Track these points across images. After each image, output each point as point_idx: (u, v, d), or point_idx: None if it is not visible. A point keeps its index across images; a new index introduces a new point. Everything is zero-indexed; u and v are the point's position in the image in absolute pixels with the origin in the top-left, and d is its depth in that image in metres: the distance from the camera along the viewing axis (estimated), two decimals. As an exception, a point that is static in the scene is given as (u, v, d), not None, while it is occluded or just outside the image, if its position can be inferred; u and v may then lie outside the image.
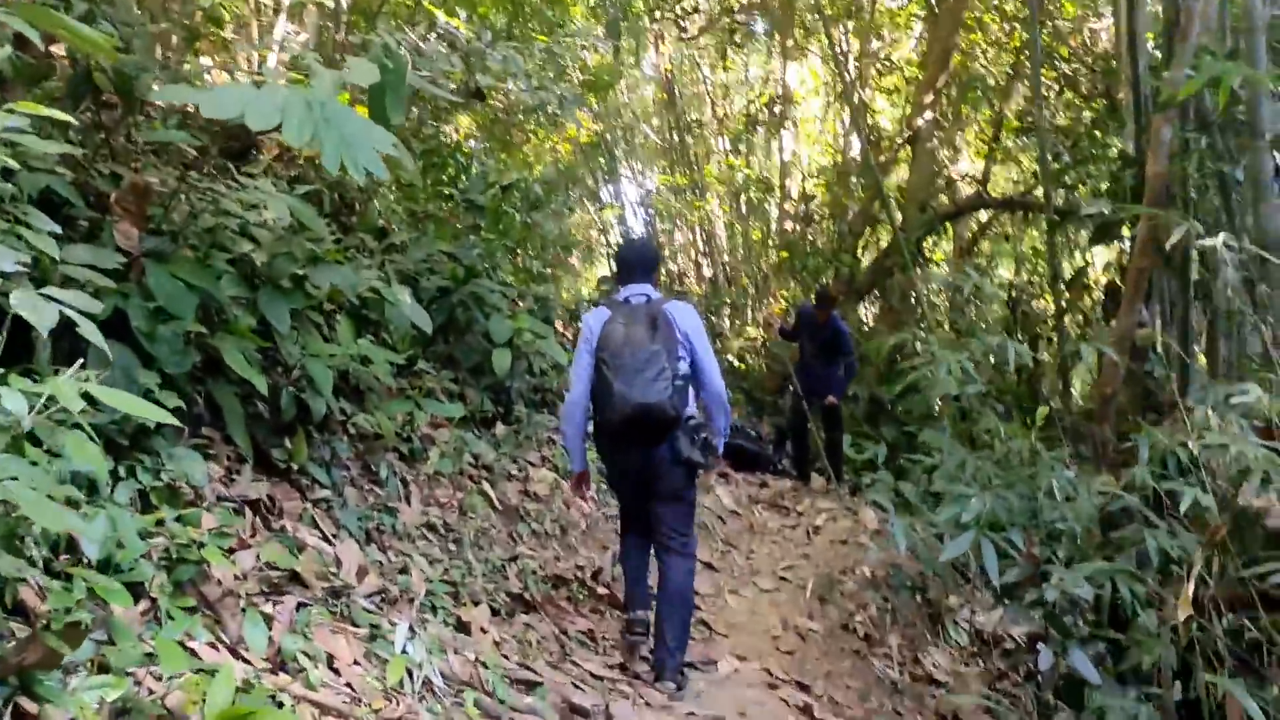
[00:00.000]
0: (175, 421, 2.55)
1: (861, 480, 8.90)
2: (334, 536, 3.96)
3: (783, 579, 6.44)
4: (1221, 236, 4.63)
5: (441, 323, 6.43)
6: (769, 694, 4.53)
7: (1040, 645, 4.30)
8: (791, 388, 8.88)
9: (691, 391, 4.26)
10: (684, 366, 4.16)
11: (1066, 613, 4.30)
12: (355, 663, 3.09)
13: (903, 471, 8.65)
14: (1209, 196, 6.04)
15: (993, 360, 6.13)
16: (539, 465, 6.46)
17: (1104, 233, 8.49)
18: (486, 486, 5.59)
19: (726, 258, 20.37)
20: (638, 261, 4.47)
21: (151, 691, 2.35)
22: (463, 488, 5.40)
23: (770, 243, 18.84)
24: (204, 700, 2.28)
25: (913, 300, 13.70)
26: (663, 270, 6.26)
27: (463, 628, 3.95)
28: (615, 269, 4.74)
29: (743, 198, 20.09)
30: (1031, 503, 4.62)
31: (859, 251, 13.49)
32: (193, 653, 2.59)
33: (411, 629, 3.42)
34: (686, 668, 4.37)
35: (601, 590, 5.31)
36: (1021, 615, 4.47)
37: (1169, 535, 4.16)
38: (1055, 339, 8.78)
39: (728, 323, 18.35)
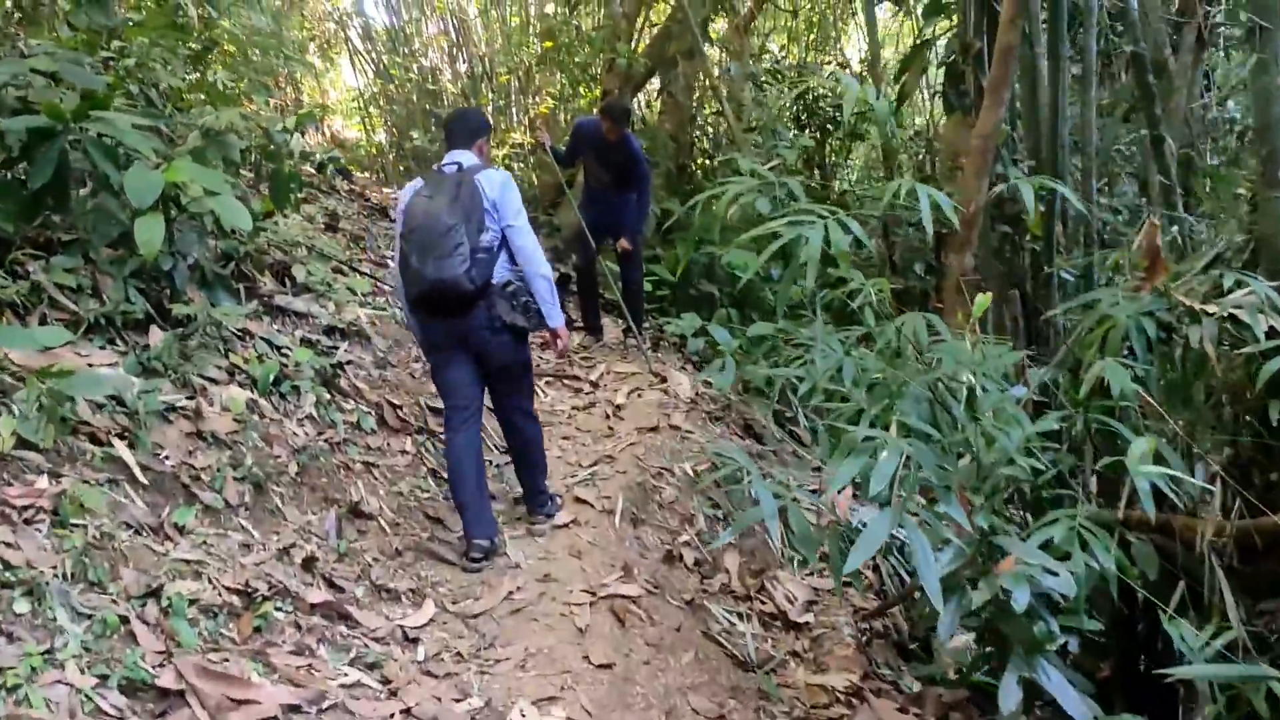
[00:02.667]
0: None
1: (666, 328, 7.20)
2: None
3: (581, 501, 4.71)
4: None
5: (46, 182, 4.14)
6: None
7: (1000, 667, 2.76)
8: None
9: (506, 261, 4.15)
10: (488, 238, 4.04)
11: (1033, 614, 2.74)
12: None
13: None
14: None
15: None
16: (225, 381, 4.37)
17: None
18: (121, 447, 3.50)
19: (483, 50, 17.75)
20: (459, 128, 4.36)
21: None
22: (74, 459, 3.31)
23: (532, 30, 16.38)
24: None
25: (697, 91, 11.83)
26: (489, 132, 4.81)
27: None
28: (444, 138, 4.45)
29: (496, -21, 17.39)
30: (964, 444, 2.97)
31: (635, 37, 11.33)
32: None
33: None
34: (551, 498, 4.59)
35: (315, 597, 3.43)
36: (962, 620, 2.89)
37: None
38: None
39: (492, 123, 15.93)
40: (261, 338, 4.89)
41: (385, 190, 13.93)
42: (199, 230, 5.26)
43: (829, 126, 11.62)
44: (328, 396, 4.75)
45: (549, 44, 13.03)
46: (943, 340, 3.63)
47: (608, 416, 5.71)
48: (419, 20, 18.96)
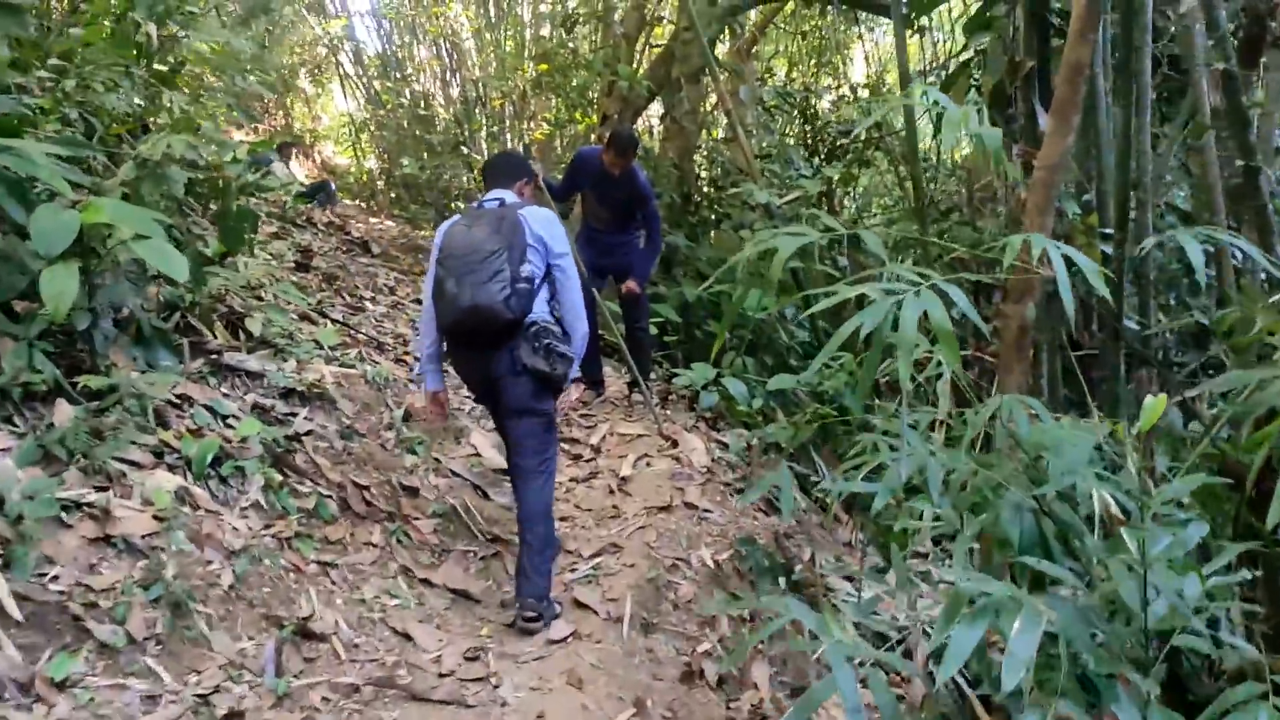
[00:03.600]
0: None
1: (675, 380, 6.40)
2: None
3: (583, 606, 3.89)
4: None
5: (-71, 224, 3.40)
6: None
7: None
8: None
9: (546, 299, 3.94)
10: (529, 270, 3.81)
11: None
12: None
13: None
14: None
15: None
16: (150, 465, 3.56)
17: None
18: (-8, 574, 2.69)
19: (477, 74, 17.06)
20: (500, 168, 4.29)
21: None
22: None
23: (527, 53, 15.70)
24: None
25: (701, 115, 11.10)
26: (532, 176, 4.62)
27: None
28: (483, 178, 4.38)
29: (491, 2, 16.74)
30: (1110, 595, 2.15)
31: (636, 59, 10.60)
32: None
33: None
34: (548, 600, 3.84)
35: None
36: None
37: None
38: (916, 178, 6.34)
39: (483, 152, 15.20)
40: (203, 405, 4.09)
41: (371, 221, 13.21)
42: (136, 278, 4.49)
43: (837, 153, 10.94)
44: (279, 478, 3.93)
45: (545, 66, 12.29)
46: (1048, 430, 2.83)
47: (612, 491, 4.89)
48: (411, 44, 18.32)
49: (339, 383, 4.80)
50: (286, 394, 4.54)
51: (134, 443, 3.62)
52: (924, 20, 12.92)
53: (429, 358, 4.11)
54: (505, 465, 4.91)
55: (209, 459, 3.74)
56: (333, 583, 3.69)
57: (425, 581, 3.92)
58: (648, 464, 5.15)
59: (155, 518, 3.34)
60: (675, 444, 5.45)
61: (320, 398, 4.63)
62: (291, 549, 3.70)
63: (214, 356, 4.52)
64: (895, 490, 2.57)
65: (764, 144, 9.20)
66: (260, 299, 5.45)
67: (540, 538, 3.81)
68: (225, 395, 4.33)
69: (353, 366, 5.06)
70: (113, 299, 4.10)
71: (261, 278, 5.87)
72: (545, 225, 3.94)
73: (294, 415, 4.43)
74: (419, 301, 7.82)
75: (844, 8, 12.90)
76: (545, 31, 15.85)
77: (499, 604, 3.95)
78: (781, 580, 4.49)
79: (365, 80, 18.54)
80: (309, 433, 4.38)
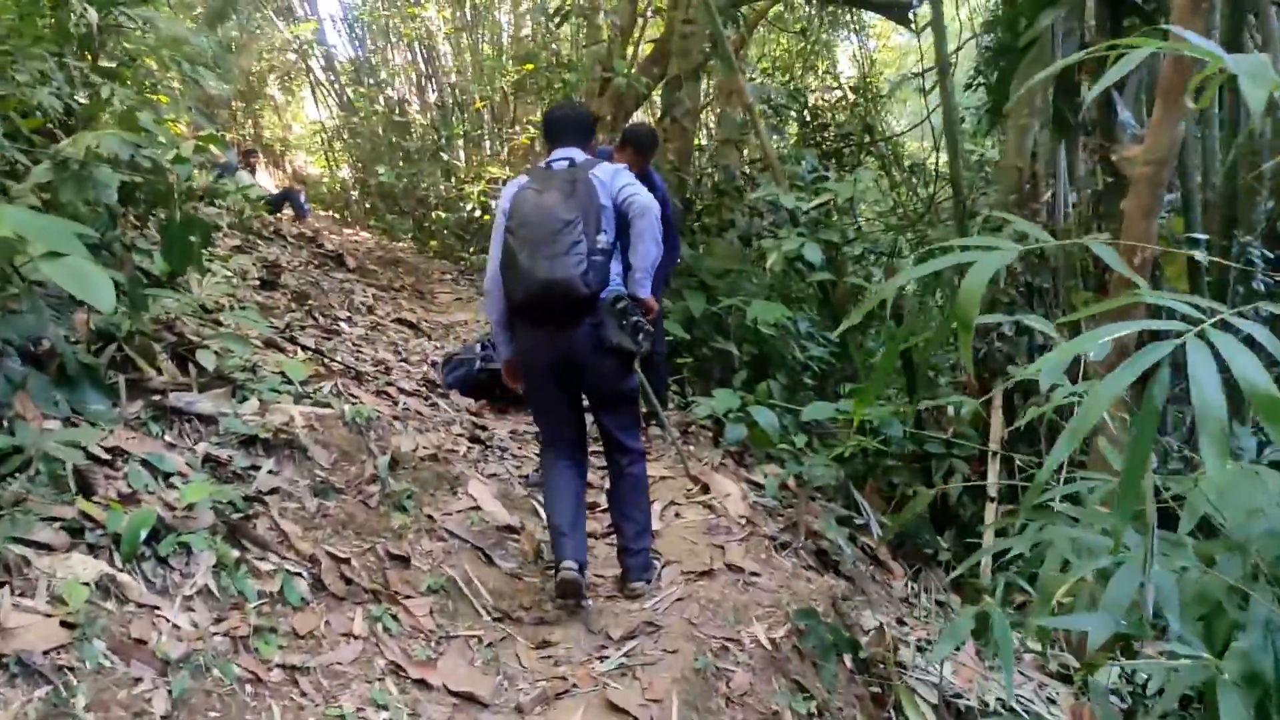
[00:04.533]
0: None
1: (695, 409, 5.60)
2: None
3: (618, 710, 3.08)
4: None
5: None
6: None
7: None
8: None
9: (619, 270, 3.65)
10: (605, 240, 3.53)
11: None
12: None
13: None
14: None
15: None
16: (64, 548, 2.73)
17: None
18: None
19: (454, 78, 16.27)
20: (566, 124, 3.85)
21: None
22: None
23: (507, 56, 14.93)
24: None
25: (701, 115, 10.35)
26: (598, 134, 4.72)
27: None
28: (544, 134, 3.96)
29: (468, 3, 15.97)
30: None
31: (630, 55, 9.82)
32: None
33: None
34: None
35: None
36: None
37: None
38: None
39: (462, 159, 14.39)
40: (140, 461, 3.27)
41: (345, 232, 12.36)
42: (60, 303, 3.66)
43: (841, 151, 10.21)
44: (235, 554, 3.11)
45: (529, 66, 11.50)
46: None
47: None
48: (385, 49, 17.50)
49: (311, 426, 3.97)
50: (247, 442, 3.71)
51: (43, 519, 2.79)
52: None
53: (500, 326, 3.78)
54: (509, 522, 4.12)
55: (143, 535, 2.91)
56: (302, 693, 2.86)
57: (421, 683, 3.10)
58: (677, 514, 4.35)
59: (65, 623, 2.51)
60: (705, 487, 4.65)
61: (288, 446, 3.80)
62: (249, 650, 2.87)
63: (157, 398, 3.69)
64: (1121, 624, 1.77)
65: (778, 146, 8.42)
66: (218, 324, 4.62)
67: (641, 513, 3.80)
68: (170, 446, 3.51)
69: (328, 405, 4.23)
70: (24, 331, 3.27)
71: (219, 299, 5.05)
72: (618, 179, 3.63)
73: (255, 470, 3.60)
74: (401, 321, 6.99)
75: (833, 7, 12.24)
76: (526, 32, 15.10)
77: (513, 708, 3.13)
78: (848, 657, 3.71)
79: (337, 86, 17.72)
80: (274, 491, 3.56)
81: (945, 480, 5.18)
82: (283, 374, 4.27)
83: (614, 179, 3.62)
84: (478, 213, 11.68)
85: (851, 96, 11.74)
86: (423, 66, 16.45)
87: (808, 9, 12.63)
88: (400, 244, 12.18)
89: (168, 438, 3.57)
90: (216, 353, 4.13)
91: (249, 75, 20.07)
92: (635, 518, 3.78)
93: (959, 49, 11.18)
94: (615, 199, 3.59)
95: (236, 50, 19.74)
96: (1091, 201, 5.51)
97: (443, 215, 12.23)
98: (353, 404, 4.37)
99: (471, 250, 11.56)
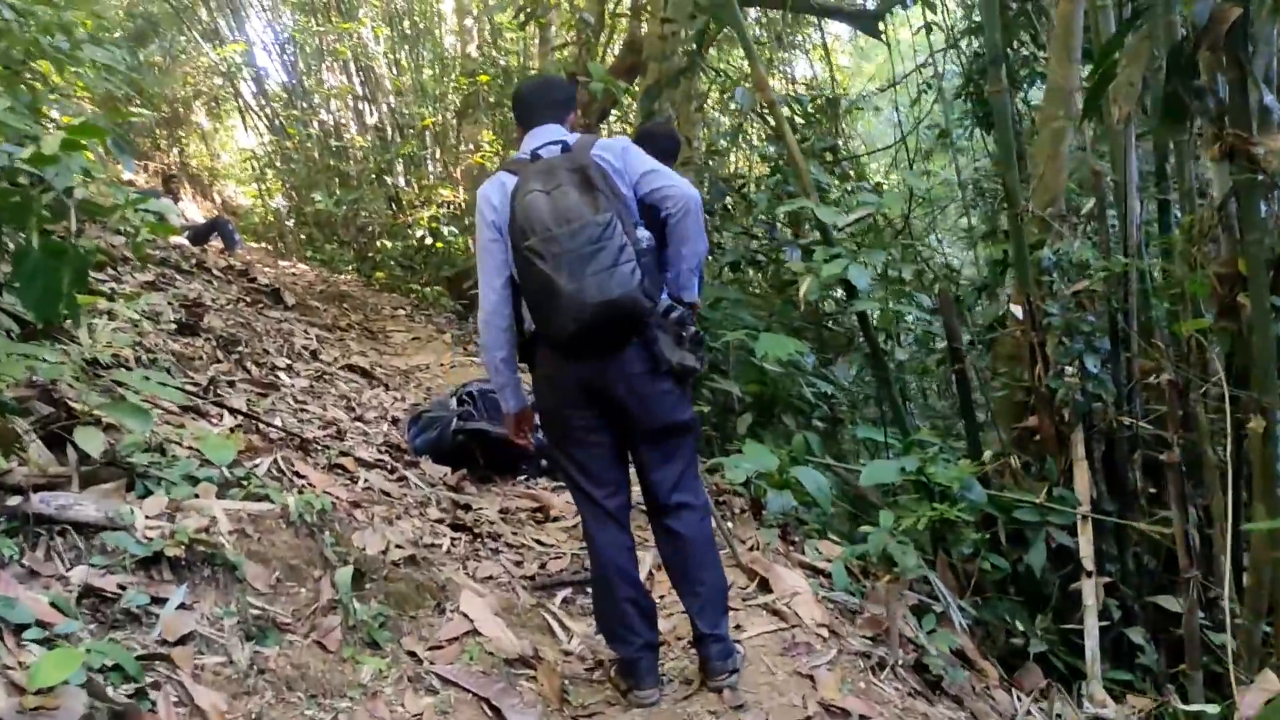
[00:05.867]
0: None
1: (725, 470, 4.51)
2: None
3: None
4: None
5: None
6: None
7: None
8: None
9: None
10: (645, 236, 2.75)
11: None
12: None
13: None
14: None
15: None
16: None
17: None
18: None
19: (393, 100, 15.12)
20: (545, 97, 2.98)
21: None
22: None
23: (451, 76, 13.85)
24: None
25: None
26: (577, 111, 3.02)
27: None
28: (516, 116, 3.04)
29: (405, 22, 14.93)
30: None
31: (602, 58, 8.80)
32: None
33: None
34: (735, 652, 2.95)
35: None
36: None
37: None
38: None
39: (403, 183, 13.22)
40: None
41: (281, 264, 11.10)
42: None
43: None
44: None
45: (485, 78, 10.42)
46: None
47: (699, 686, 2.96)
48: (319, 70, 16.35)
49: (241, 531, 2.81)
50: (147, 563, 2.55)
51: None
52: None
53: (508, 366, 2.96)
54: (520, 651, 3.00)
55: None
56: None
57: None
58: (737, 625, 3.25)
59: None
60: (764, 583, 3.56)
61: (209, 564, 2.64)
62: None
63: (15, 500, 2.53)
64: None
65: (778, 155, 7.42)
66: (119, 385, 3.44)
67: (714, 586, 2.91)
68: (30, 576, 2.36)
69: (264, 496, 3.06)
70: None
71: (120, 350, 3.87)
72: (627, 156, 2.84)
73: (159, 605, 2.45)
74: (352, 368, 5.82)
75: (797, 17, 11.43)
76: (472, 50, 14.04)
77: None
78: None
79: (269, 111, 16.49)
80: (187, 639, 2.40)
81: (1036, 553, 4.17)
82: (199, 456, 3.11)
83: (627, 163, 2.82)
84: (428, 240, 10.50)
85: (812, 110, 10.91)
86: (360, 90, 15.30)
87: (772, 17, 11.79)
88: (343, 276, 10.96)
89: (26, 562, 2.41)
90: (108, 428, 2.97)
91: (173, 101, 18.82)
92: (710, 588, 2.90)
93: (939, 52, 10.43)
94: (636, 190, 2.82)
95: (160, 74, 18.46)
96: (1213, 208, 4.56)
97: (388, 244, 11.05)
98: (299, 491, 3.21)
99: (423, 281, 10.39)
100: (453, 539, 3.61)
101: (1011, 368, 5.47)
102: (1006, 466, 4.98)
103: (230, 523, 2.81)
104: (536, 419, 2.99)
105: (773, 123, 6.66)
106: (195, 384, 4.15)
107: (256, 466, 3.39)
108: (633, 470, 2.97)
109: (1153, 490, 4.99)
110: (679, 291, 2.93)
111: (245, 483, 3.11)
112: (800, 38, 12.53)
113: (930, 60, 10.36)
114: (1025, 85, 9.27)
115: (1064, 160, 6.51)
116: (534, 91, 3.04)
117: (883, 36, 12.35)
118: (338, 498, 3.43)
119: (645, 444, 2.87)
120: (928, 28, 8.81)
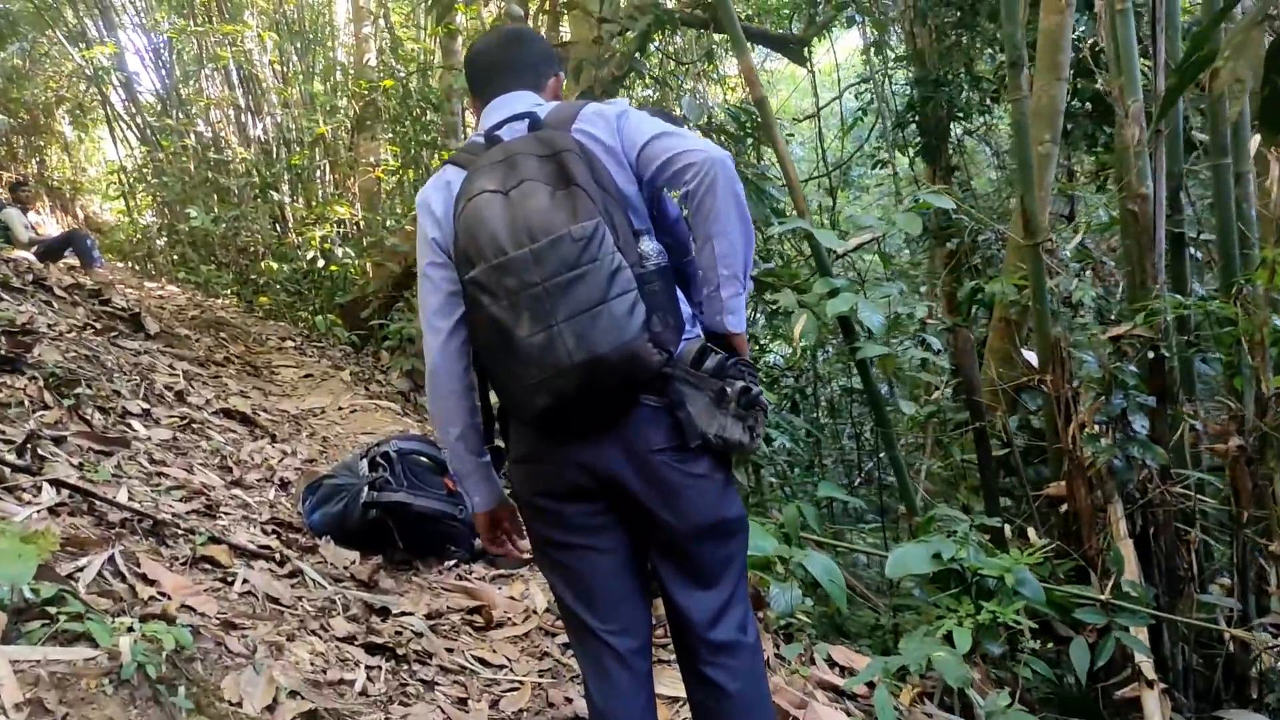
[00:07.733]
0: None
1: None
2: None
3: None
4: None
5: None
6: None
7: None
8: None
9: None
10: (650, 244, 1.85)
11: None
12: None
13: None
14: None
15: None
16: None
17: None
18: None
19: (279, 113, 13.86)
20: (504, 57, 2.06)
21: None
22: None
23: (344, 89, 12.76)
24: None
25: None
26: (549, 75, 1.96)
27: None
28: (470, 86, 2.11)
29: (295, 28, 13.78)
30: None
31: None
32: None
33: None
34: None
35: None
36: None
37: None
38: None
39: (289, 201, 11.99)
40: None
41: (147, 285, 9.73)
42: None
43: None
44: None
45: (389, 82, 9.34)
46: None
47: None
48: (197, 77, 15.00)
49: (38, 703, 1.73)
50: None
51: None
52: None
53: (462, 449, 2.02)
54: None
55: None
56: None
57: None
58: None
59: None
60: (801, 723, 2.63)
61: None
62: None
63: None
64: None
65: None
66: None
67: None
68: None
69: (81, 635, 1.97)
70: None
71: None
72: (618, 126, 1.87)
73: None
74: (228, 414, 4.67)
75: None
76: (369, 59, 12.93)
77: None
78: None
79: (140, 120, 15.03)
80: None
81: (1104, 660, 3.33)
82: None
83: (623, 129, 1.88)
84: (320, 262, 9.31)
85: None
86: (242, 101, 13.99)
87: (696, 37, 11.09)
88: (220, 301, 9.67)
89: None
90: None
91: (33, 108, 17.24)
92: None
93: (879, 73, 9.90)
94: (642, 172, 1.88)
95: (18, 78, 16.83)
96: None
97: (274, 266, 9.83)
98: (140, 620, 2.12)
99: (313, 308, 9.20)
100: (369, 668, 2.55)
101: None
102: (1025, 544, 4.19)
103: (20, 688, 1.73)
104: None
105: (735, 129, 5.81)
106: (7, 441, 3.01)
107: (80, 573, 2.29)
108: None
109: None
110: (716, 319, 1.95)
111: (54, 609, 2.01)
112: (722, 67, 11.90)
113: (870, 81, 9.79)
114: (968, 113, 8.74)
115: (1048, 186, 5.85)
116: (492, 47, 2.11)
117: (807, 65, 11.87)
118: (203, 615, 2.35)
119: (672, 555, 1.95)
120: (878, 46, 8.19)
